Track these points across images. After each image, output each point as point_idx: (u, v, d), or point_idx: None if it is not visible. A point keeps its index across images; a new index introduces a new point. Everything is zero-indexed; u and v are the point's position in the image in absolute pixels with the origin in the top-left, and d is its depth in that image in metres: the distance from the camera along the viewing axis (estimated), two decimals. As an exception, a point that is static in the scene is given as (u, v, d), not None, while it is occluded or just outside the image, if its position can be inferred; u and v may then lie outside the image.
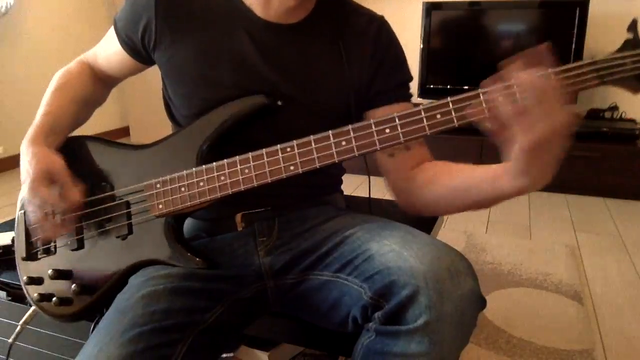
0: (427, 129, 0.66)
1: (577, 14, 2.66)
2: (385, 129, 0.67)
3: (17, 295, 1.12)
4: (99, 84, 0.97)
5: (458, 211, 0.79)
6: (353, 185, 0.94)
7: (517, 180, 0.65)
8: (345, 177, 0.99)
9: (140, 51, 0.85)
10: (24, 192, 0.79)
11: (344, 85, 0.83)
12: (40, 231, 0.80)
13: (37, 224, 0.80)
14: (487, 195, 0.71)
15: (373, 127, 0.68)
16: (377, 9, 0.89)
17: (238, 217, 0.84)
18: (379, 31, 0.85)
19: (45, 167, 0.78)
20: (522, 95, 0.59)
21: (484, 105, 0.62)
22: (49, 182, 0.78)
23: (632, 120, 2.85)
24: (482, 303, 0.67)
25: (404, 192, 0.85)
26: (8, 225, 1.32)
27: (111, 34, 0.89)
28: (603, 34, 2.81)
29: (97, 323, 0.87)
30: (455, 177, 0.77)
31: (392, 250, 0.69)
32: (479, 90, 0.63)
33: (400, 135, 0.67)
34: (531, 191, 0.66)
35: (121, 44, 0.87)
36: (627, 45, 0.63)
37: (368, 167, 0.90)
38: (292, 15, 0.80)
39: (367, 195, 1.00)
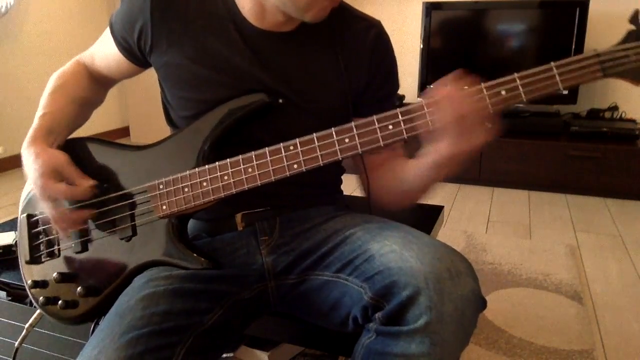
0: (430, 124, 0.67)
1: (577, 14, 2.66)
2: (388, 125, 0.68)
3: (17, 295, 1.12)
4: (96, 85, 0.96)
5: (406, 204, 0.87)
6: (353, 185, 0.94)
7: (432, 172, 0.74)
8: (345, 177, 0.99)
9: (136, 54, 0.85)
10: (28, 192, 0.79)
11: (341, 89, 0.83)
12: (59, 226, 0.81)
13: (54, 219, 0.80)
14: (420, 185, 0.80)
15: (376, 123, 0.68)
16: (377, 9, 0.89)
17: (238, 217, 0.84)
18: (377, 38, 0.85)
19: (50, 164, 0.78)
20: (448, 110, 0.65)
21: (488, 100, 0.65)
22: (56, 178, 0.78)
23: (632, 120, 2.86)
24: (482, 303, 0.67)
25: (372, 189, 0.90)
26: (8, 225, 1.32)
27: (107, 35, 0.88)
28: (603, 34, 2.81)
29: (96, 324, 0.87)
30: (398, 174, 0.84)
31: (393, 250, 0.69)
32: (482, 85, 0.66)
33: (404, 131, 0.68)
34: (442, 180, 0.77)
35: (117, 46, 0.86)
36: (629, 37, 0.63)
37: (365, 167, 0.90)
38: (285, 25, 0.80)
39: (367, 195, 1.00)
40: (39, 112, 0.86)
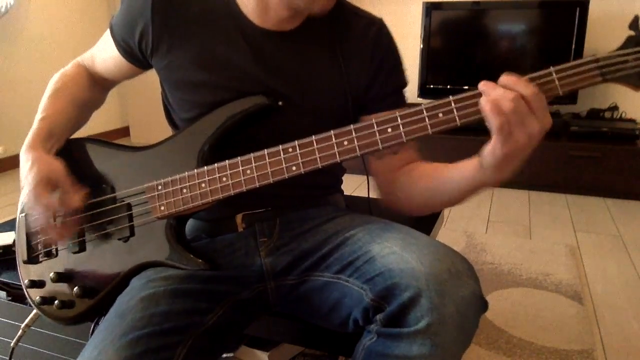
0: (429, 128, 0.66)
1: (577, 14, 2.66)
2: (387, 128, 0.67)
3: (17, 296, 1.12)
4: (96, 87, 0.96)
5: (435, 209, 0.84)
6: (353, 185, 0.94)
7: (490, 175, 0.69)
8: (345, 177, 0.99)
9: (137, 56, 0.85)
10: (24, 198, 0.79)
11: (343, 89, 0.83)
12: (44, 236, 0.81)
13: (41, 229, 0.80)
14: (462, 191, 0.75)
15: (375, 126, 0.68)
16: (377, 9, 0.89)
17: (239, 217, 0.84)
18: (378, 35, 0.85)
19: (46, 174, 0.77)
20: (504, 104, 0.61)
21: (483, 104, 0.63)
22: (50, 187, 0.77)
23: (632, 120, 2.85)
24: (483, 305, 0.67)
25: (388, 193, 0.88)
26: (8, 225, 1.31)
27: (107, 37, 0.88)
28: (603, 34, 2.81)
29: (96, 324, 0.87)
30: (431, 178, 0.80)
31: (394, 252, 0.69)
32: (481, 89, 0.63)
33: (403, 134, 0.67)
34: (497, 184, 0.72)
35: (118, 48, 0.86)
36: (629, 42, 0.63)
37: (367, 167, 0.90)
38: (289, 22, 0.80)
39: (367, 195, 1.00)
40: (39, 115, 0.86)
